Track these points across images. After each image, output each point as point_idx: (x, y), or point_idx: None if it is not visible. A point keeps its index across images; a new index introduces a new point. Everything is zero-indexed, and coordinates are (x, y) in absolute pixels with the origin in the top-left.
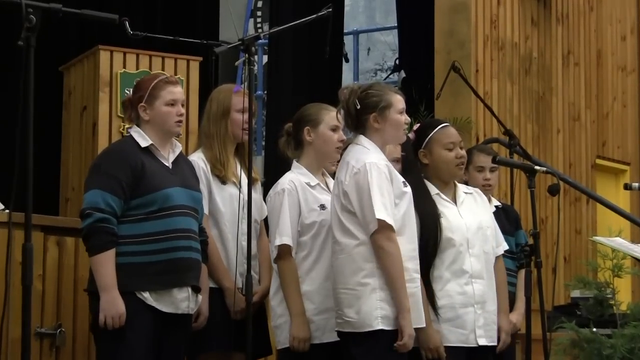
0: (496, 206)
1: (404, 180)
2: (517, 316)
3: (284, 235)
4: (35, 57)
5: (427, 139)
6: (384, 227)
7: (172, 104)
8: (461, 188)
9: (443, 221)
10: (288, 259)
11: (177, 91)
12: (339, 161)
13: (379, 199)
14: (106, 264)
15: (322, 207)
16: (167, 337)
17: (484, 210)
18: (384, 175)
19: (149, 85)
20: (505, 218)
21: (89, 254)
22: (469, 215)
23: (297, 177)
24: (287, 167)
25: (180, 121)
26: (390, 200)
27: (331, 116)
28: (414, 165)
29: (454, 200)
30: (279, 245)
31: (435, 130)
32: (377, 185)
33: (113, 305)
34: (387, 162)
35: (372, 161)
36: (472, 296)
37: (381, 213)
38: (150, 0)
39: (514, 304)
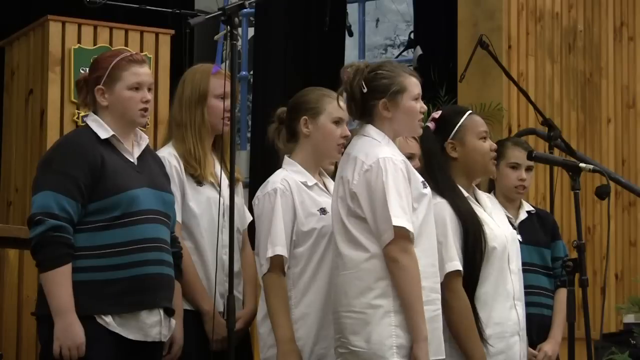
0: (528, 212)
1: (424, 180)
2: (552, 346)
3: (277, 245)
4: None
5: (457, 127)
6: (401, 237)
7: (137, 87)
8: (478, 190)
9: (486, 229)
10: (278, 273)
11: (143, 72)
12: None
13: (397, 201)
14: (61, 282)
15: (323, 211)
16: None
17: (505, 218)
18: (401, 173)
19: (109, 64)
20: (540, 226)
21: (39, 270)
22: (502, 224)
23: (290, 176)
24: (277, 164)
25: (145, 109)
26: (409, 203)
27: (335, 105)
28: (440, 159)
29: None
30: (271, 257)
31: (465, 116)
32: (394, 185)
33: (70, 333)
34: (403, 157)
35: (386, 156)
36: (517, 323)
37: (399, 219)
38: None
39: (549, 330)
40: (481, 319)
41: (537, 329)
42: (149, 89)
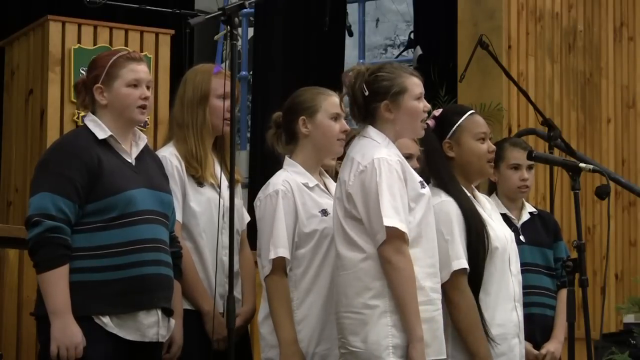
0: (531, 213)
1: (422, 180)
2: (555, 345)
3: (279, 247)
4: None
5: (455, 127)
6: (394, 237)
7: (135, 84)
8: (476, 192)
9: (488, 229)
10: (280, 274)
11: (141, 69)
12: (342, 157)
13: (389, 202)
14: (58, 282)
15: (324, 212)
16: None
17: (503, 221)
18: (395, 173)
19: (107, 63)
20: (542, 227)
21: (37, 271)
22: (501, 225)
23: (292, 177)
24: (277, 164)
25: (144, 106)
26: (404, 203)
27: (330, 102)
28: (441, 156)
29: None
30: (273, 259)
31: (464, 117)
32: (387, 185)
33: (67, 334)
34: (400, 157)
35: (381, 156)
36: (517, 325)
37: (391, 219)
38: None
39: (552, 330)
40: (486, 320)
41: (540, 329)
42: (148, 87)
